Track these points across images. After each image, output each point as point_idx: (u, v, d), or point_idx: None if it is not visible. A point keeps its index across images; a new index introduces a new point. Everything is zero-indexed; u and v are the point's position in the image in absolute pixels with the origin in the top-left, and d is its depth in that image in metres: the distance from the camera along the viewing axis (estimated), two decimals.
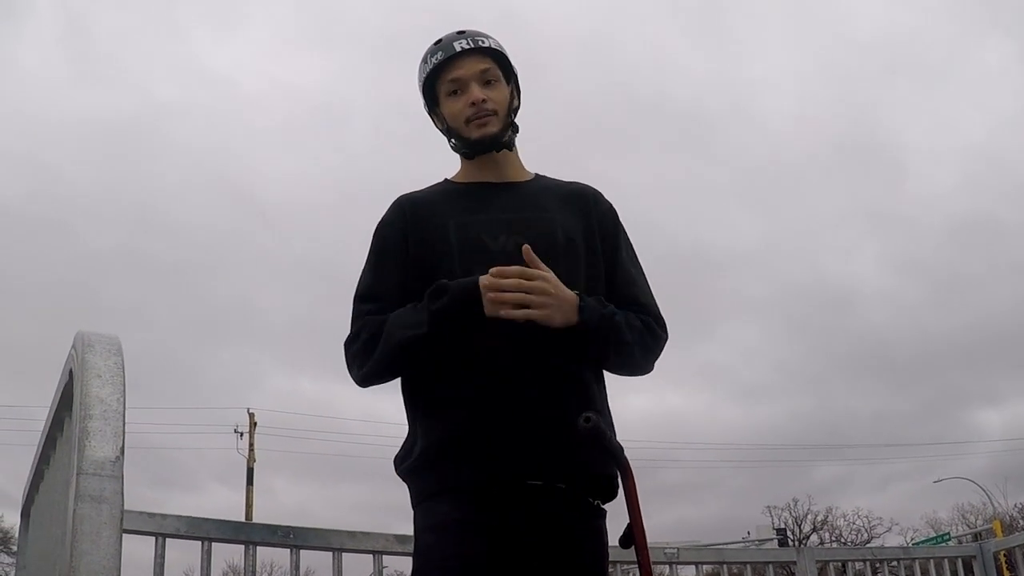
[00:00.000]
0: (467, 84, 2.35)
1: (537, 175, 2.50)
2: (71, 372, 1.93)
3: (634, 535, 2.13)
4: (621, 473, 2.17)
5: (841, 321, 66.73)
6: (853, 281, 68.57)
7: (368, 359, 2.23)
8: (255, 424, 34.01)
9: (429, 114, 2.49)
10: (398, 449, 2.30)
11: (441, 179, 2.49)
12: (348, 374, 2.31)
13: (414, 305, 2.20)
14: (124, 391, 1.73)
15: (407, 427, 2.30)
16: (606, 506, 2.27)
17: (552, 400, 2.16)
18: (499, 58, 2.42)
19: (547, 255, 2.21)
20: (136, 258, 60.71)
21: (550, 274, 2.15)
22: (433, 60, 2.39)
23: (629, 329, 2.26)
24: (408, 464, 2.22)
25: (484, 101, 2.34)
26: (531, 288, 2.12)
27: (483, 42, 2.40)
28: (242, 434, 33.83)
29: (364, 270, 2.37)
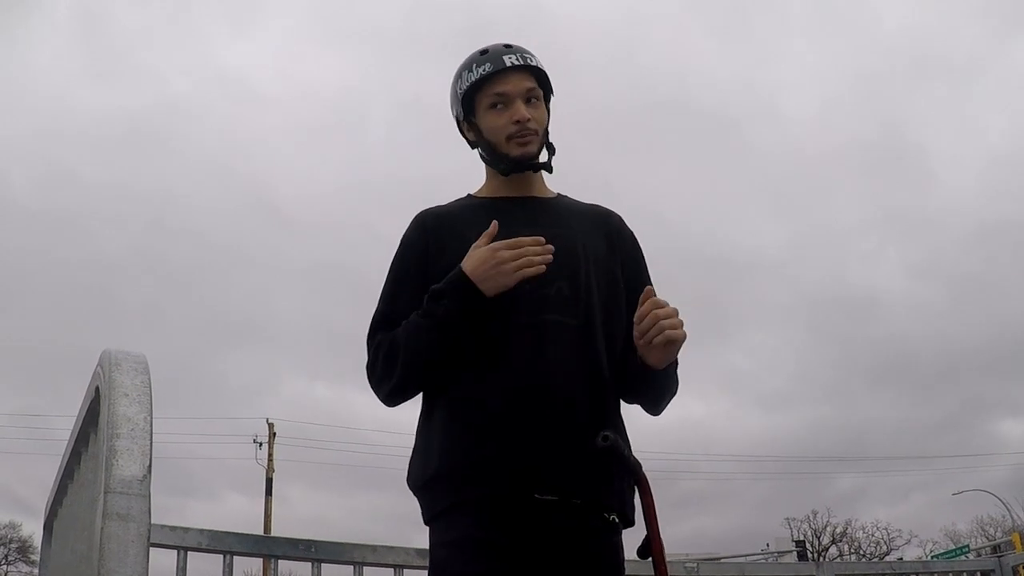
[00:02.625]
0: (512, 100, 2.35)
1: (559, 194, 2.51)
2: (97, 390, 1.95)
3: (652, 551, 2.13)
4: (639, 489, 2.17)
5: (863, 328, 66.34)
6: (876, 287, 68.11)
7: (390, 377, 2.24)
8: (274, 435, 33.98)
9: (460, 122, 2.48)
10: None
11: (463, 193, 2.50)
12: (373, 393, 2.32)
13: (416, 313, 2.21)
14: (151, 410, 1.76)
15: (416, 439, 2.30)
16: (625, 531, 2.26)
17: (570, 414, 2.16)
18: (542, 78, 2.43)
19: (569, 270, 2.24)
20: (151, 259, 60.56)
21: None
22: (479, 71, 2.37)
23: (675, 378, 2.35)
24: (421, 479, 2.21)
25: (529, 120, 2.35)
26: (672, 314, 2.16)
27: (531, 60, 2.40)
28: (261, 444, 33.79)
29: (381, 294, 2.38)
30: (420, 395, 2.32)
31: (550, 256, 2.15)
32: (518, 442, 2.12)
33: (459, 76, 2.42)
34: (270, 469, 33.23)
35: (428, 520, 2.23)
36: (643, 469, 2.19)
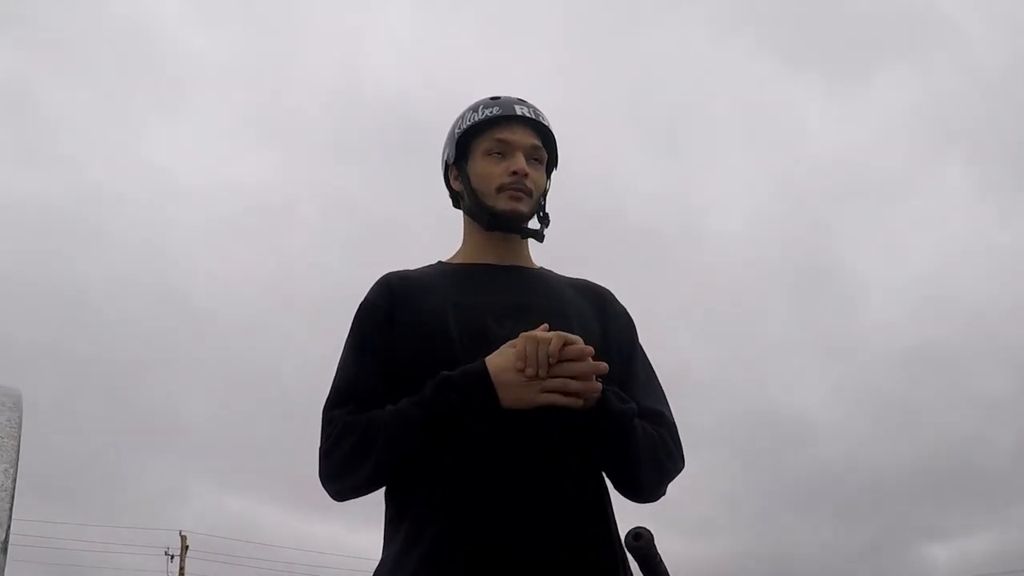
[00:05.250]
0: (514, 151, 2.08)
1: (542, 267, 2.21)
2: None
3: None
4: None
5: (789, 453, 66.22)
6: (803, 412, 68.06)
7: (357, 469, 1.88)
8: (187, 547, 32.58)
9: (449, 167, 2.19)
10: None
11: (433, 261, 2.18)
12: (321, 482, 1.95)
13: (410, 401, 1.85)
14: (17, 459, 1.29)
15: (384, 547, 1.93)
16: None
17: (568, 518, 1.85)
18: (550, 144, 2.17)
19: None
20: (58, 353, 57.53)
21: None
22: (486, 112, 2.11)
23: (645, 437, 1.95)
24: None
25: (527, 176, 2.07)
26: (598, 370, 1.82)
27: (543, 119, 2.15)
28: (173, 557, 32.34)
29: (340, 366, 2.02)
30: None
31: (596, 388, 1.81)
32: (510, 554, 1.78)
33: (461, 117, 2.15)
34: None
35: None
36: None
